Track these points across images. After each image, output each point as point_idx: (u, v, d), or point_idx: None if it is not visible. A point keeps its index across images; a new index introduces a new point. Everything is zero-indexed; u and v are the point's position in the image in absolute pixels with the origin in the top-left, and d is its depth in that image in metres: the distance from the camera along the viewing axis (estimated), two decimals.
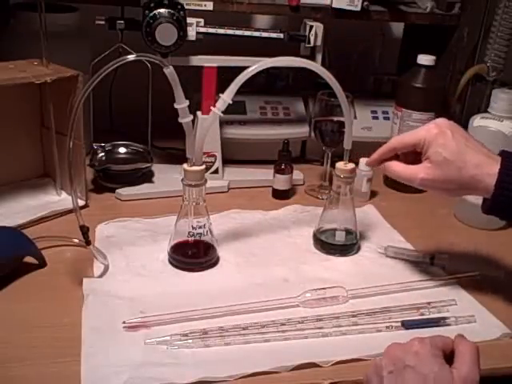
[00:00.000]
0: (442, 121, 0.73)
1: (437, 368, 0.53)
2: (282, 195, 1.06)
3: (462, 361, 0.55)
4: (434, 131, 0.72)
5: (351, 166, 0.86)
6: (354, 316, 0.73)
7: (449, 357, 0.56)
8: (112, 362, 0.62)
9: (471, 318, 0.73)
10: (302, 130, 1.17)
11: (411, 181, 0.73)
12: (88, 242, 0.77)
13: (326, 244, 0.88)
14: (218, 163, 1.07)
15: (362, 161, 1.05)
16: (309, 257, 0.87)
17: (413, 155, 0.75)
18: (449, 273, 0.83)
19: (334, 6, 1.05)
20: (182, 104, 0.76)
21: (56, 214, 0.92)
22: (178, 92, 0.75)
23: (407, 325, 0.71)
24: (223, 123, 1.11)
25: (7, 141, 0.94)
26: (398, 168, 0.75)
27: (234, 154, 1.13)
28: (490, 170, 0.69)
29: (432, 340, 0.57)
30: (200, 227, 0.82)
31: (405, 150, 0.75)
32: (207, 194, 0.82)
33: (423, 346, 0.56)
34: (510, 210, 0.69)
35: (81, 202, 0.93)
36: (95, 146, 1.03)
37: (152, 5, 0.92)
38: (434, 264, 0.86)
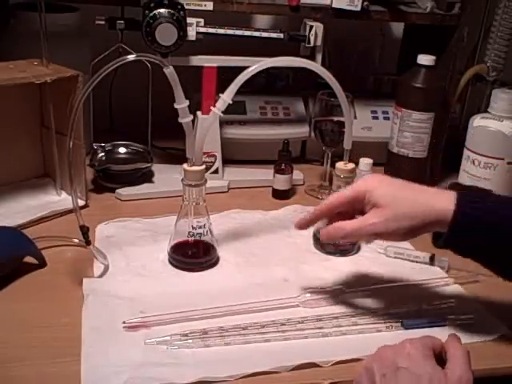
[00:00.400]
0: (375, 174, 0.73)
1: (430, 369, 0.53)
2: (282, 195, 1.06)
3: (455, 362, 0.54)
4: (372, 179, 0.69)
5: (351, 165, 0.86)
6: (353, 316, 0.73)
7: (438, 358, 0.56)
8: (112, 362, 0.62)
9: (470, 318, 0.73)
10: (301, 130, 1.17)
11: (361, 228, 0.67)
12: (88, 242, 0.77)
13: (326, 244, 0.88)
14: (218, 163, 1.07)
15: (362, 161, 1.05)
16: (309, 257, 0.87)
17: (345, 217, 0.70)
18: (449, 273, 0.83)
19: (334, 6, 1.05)
20: (181, 104, 0.76)
21: (56, 214, 0.92)
22: (178, 92, 0.75)
23: (407, 325, 0.71)
24: (223, 123, 1.11)
25: (7, 141, 0.94)
26: (343, 225, 0.68)
27: (234, 154, 1.13)
28: (444, 200, 0.65)
29: (422, 341, 0.56)
30: (200, 227, 0.82)
31: (342, 207, 0.70)
32: (207, 194, 0.82)
33: (414, 347, 0.55)
34: (468, 241, 0.65)
35: (81, 202, 0.93)
36: (95, 146, 1.03)
37: (152, 5, 0.92)
38: (433, 264, 0.86)
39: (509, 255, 0.65)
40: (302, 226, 0.73)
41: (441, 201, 0.65)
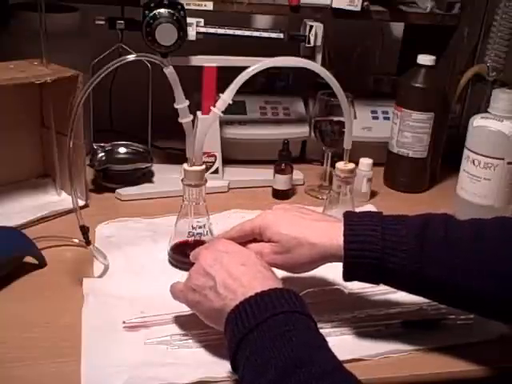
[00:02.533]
0: (276, 206, 0.74)
1: (237, 248, 0.66)
2: (282, 195, 1.06)
3: None
4: (267, 214, 0.71)
5: (351, 165, 0.86)
6: (353, 316, 0.73)
7: None
8: (112, 362, 0.62)
9: (470, 317, 0.73)
10: (301, 130, 1.17)
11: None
12: (88, 242, 0.77)
13: None
14: (218, 163, 1.07)
15: (362, 161, 1.05)
16: None
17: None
18: None
19: (334, 5, 1.05)
20: (181, 104, 0.76)
21: (56, 214, 0.92)
22: (178, 92, 0.75)
23: (407, 325, 0.71)
24: (223, 123, 1.11)
25: (7, 141, 0.94)
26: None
27: (234, 154, 1.13)
28: (332, 235, 0.66)
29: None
30: (200, 227, 0.82)
31: (244, 238, 0.71)
32: (207, 193, 0.82)
33: (227, 243, 0.67)
34: (368, 273, 0.65)
35: (81, 202, 0.93)
36: (95, 146, 1.03)
37: (152, 5, 0.92)
38: None
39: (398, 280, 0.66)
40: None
41: (331, 239, 0.66)
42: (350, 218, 0.67)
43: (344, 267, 0.66)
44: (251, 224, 0.71)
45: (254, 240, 0.71)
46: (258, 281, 0.60)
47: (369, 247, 0.64)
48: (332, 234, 0.66)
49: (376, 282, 0.68)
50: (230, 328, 0.57)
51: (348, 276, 0.67)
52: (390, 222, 0.65)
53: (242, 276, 0.60)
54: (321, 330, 0.69)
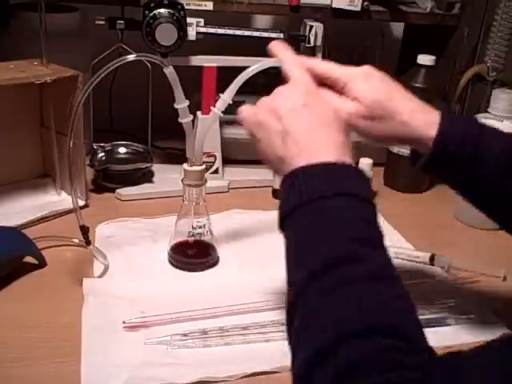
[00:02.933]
0: (368, 67, 0.65)
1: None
2: None
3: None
4: (358, 71, 0.63)
5: None
6: None
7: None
8: (112, 362, 0.62)
9: (471, 318, 0.73)
10: None
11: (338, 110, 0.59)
12: (88, 242, 0.77)
13: None
14: (218, 163, 1.07)
15: (362, 161, 1.05)
16: None
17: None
18: (449, 273, 0.83)
19: (334, 5, 1.05)
20: (181, 104, 0.76)
21: (56, 214, 0.92)
22: (178, 92, 0.75)
23: None
24: (223, 123, 1.11)
25: (7, 141, 0.94)
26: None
27: (234, 154, 1.13)
28: (427, 118, 0.61)
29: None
30: (200, 227, 0.82)
31: (323, 79, 0.64)
32: (207, 193, 0.82)
33: (308, 94, 0.58)
34: (448, 165, 0.61)
35: (81, 202, 0.93)
36: (95, 146, 1.03)
37: (152, 5, 0.92)
38: (433, 264, 0.86)
39: (485, 188, 0.63)
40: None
41: (425, 123, 0.61)
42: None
43: (429, 156, 0.61)
44: (342, 70, 0.63)
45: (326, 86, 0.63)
46: (331, 148, 0.53)
47: (467, 129, 0.60)
48: (428, 115, 0.61)
49: (446, 180, 0.65)
50: (286, 189, 0.51)
51: (427, 167, 0.62)
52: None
53: (315, 136, 0.54)
54: None
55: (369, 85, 0.62)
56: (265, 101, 0.60)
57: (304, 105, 0.57)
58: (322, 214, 0.48)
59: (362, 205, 0.50)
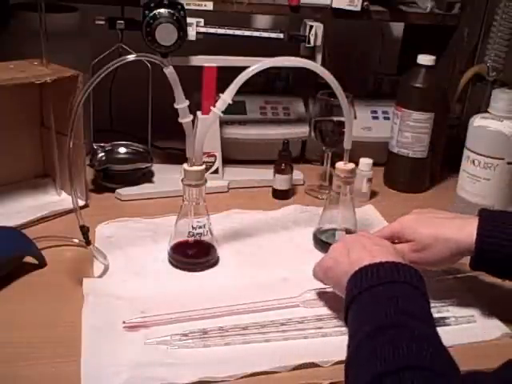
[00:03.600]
0: (413, 210, 0.79)
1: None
2: (282, 195, 1.06)
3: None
4: (405, 217, 0.77)
5: (351, 166, 0.86)
6: None
7: None
8: (112, 362, 0.62)
9: (471, 318, 0.74)
10: (301, 130, 1.16)
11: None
12: (88, 242, 0.77)
13: (326, 244, 0.88)
14: (218, 163, 1.07)
15: (362, 161, 1.05)
16: (309, 257, 0.87)
17: None
18: (449, 273, 0.83)
19: (334, 5, 1.05)
20: (181, 104, 0.76)
21: (56, 214, 0.92)
22: (178, 92, 0.75)
23: None
24: (223, 123, 1.11)
25: (7, 141, 0.94)
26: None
27: (234, 154, 1.13)
28: (468, 233, 0.70)
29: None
30: (200, 227, 0.82)
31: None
32: (207, 193, 0.82)
33: (368, 234, 0.75)
34: (495, 265, 0.71)
35: (81, 202, 0.93)
36: (95, 146, 1.03)
37: (152, 5, 0.92)
38: None
39: None
40: None
41: (465, 234, 0.70)
42: (485, 212, 0.73)
43: (474, 255, 0.70)
44: (391, 227, 0.77)
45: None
46: (386, 255, 0.65)
47: (504, 237, 0.68)
48: (466, 228, 0.70)
49: (501, 273, 0.73)
50: (349, 286, 0.63)
51: (475, 265, 0.72)
52: None
53: (373, 250, 0.67)
54: (321, 330, 0.70)
55: (412, 226, 0.75)
56: (333, 245, 0.75)
57: (364, 236, 0.73)
58: (378, 295, 0.60)
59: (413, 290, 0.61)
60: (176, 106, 0.76)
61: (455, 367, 0.51)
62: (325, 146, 1.05)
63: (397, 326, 0.55)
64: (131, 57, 0.71)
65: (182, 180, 0.80)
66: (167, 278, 0.80)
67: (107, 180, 1.02)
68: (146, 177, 1.06)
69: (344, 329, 0.70)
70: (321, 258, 0.75)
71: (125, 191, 1.01)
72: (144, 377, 0.61)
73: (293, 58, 0.82)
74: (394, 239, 0.76)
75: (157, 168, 1.08)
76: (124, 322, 0.68)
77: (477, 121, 0.97)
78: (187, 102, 0.76)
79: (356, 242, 0.70)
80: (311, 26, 1.03)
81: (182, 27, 0.93)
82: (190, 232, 0.82)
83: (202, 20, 0.99)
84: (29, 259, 0.79)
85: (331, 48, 1.12)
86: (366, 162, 1.05)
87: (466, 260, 0.73)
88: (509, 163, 0.95)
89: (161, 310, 0.70)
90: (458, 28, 1.13)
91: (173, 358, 0.64)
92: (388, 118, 1.18)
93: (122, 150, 1.05)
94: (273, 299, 0.74)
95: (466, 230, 0.70)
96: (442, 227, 0.72)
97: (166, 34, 0.92)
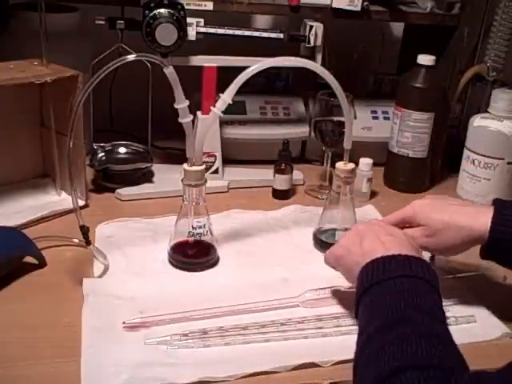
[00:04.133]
0: (426, 196, 0.78)
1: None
2: (282, 195, 1.06)
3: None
4: (417, 202, 0.76)
5: (351, 166, 0.86)
6: (353, 316, 0.72)
7: None
8: (112, 362, 0.62)
9: (471, 317, 0.73)
10: (301, 130, 1.16)
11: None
12: (88, 242, 0.77)
13: (326, 244, 0.88)
14: (218, 163, 1.07)
15: (362, 161, 1.05)
16: (309, 257, 0.87)
17: None
18: (448, 273, 0.83)
19: (334, 5, 1.05)
20: (181, 104, 0.76)
21: (56, 214, 0.92)
22: (178, 92, 0.75)
23: None
24: (223, 123, 1.11)
25: (7, 141, 0.94)
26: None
27: (234, 154, 1.13)
28: (481, 222, 0.70)
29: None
30: (200, 227, 0.82)
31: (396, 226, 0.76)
32: (207, 193, 0.82)
33: (380, 222, 0.75)
34: (506, 254, 0.70)
35: (81, 202, 0.93)
36: (95, 146, 1.03)
37: (152, 5, 0.92)
38: (434, 264, 0.85)
39: None
40: None
41: (479, 223, 0.70)
42: (499, 202, 0.72)
43: (487, 244, 0.69)
44: (403, 211, 0.76)
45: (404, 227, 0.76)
46: (400, 247, 0.65)
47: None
48: (480, 216, 0.70)
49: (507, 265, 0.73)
50: (360, 278, 0.63)
51: (487, 253, 0.71)
52: None
53: (386, 241, 0.66)
54: (321, 330, 0.70)
55: (424, 211, 0.74)
56: (345, 234, 0.76)
57: (377, 224, 0.73)
58: (390, 289, 0.60)
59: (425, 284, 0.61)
60: (176, 105, 0.76)
61: (464, 365, 0.51)
62: (325, 146, 1.05)
63: (406, 321, 0.54)
64: (131, 57, 0.71)
65: (182, 180, 0.80)
66: (167, 278, 0.80)
67: (107, 180, 1.02)
68: (146, 177, 1.06)
69: (344, 329, 0.71)
70: (332, 246, 0.74)
71: (125, 191, 1.01)
72: (144, 377, 0.61)
73: (293, 58, 0.82)
74: (406, 223, 0.76)
75: (157, 168, 1.08)
76: (124, 322, 0.68)
77: (477, 121, 0.97)
78: (187, 102, 0.76)
79: (369, 231, 0.69)
80: (311, 26, 1.03)
81: (182, 27, 0.93)
82: (189, 232, 0.82)
83: (202, 20, 0.99)
84: (29, 259, 0.79)
85: (331, 48, 1.12)
86: (365, 162, 1.05)
87: (466, 260, 0.73)
88: (509, 163, 0.95)
89: (161, 310, 0.70)
90: (458, 28, 1.13)
91: (173, 357, 0.64)
92: (388, 118, 1.18)
93: (122, 150, 1.05)
94: (273, 299, 0.74)
95: (479, 219, 0.70)
96: (455, 214, 0.72)
97: (166, 34, 0.92)
